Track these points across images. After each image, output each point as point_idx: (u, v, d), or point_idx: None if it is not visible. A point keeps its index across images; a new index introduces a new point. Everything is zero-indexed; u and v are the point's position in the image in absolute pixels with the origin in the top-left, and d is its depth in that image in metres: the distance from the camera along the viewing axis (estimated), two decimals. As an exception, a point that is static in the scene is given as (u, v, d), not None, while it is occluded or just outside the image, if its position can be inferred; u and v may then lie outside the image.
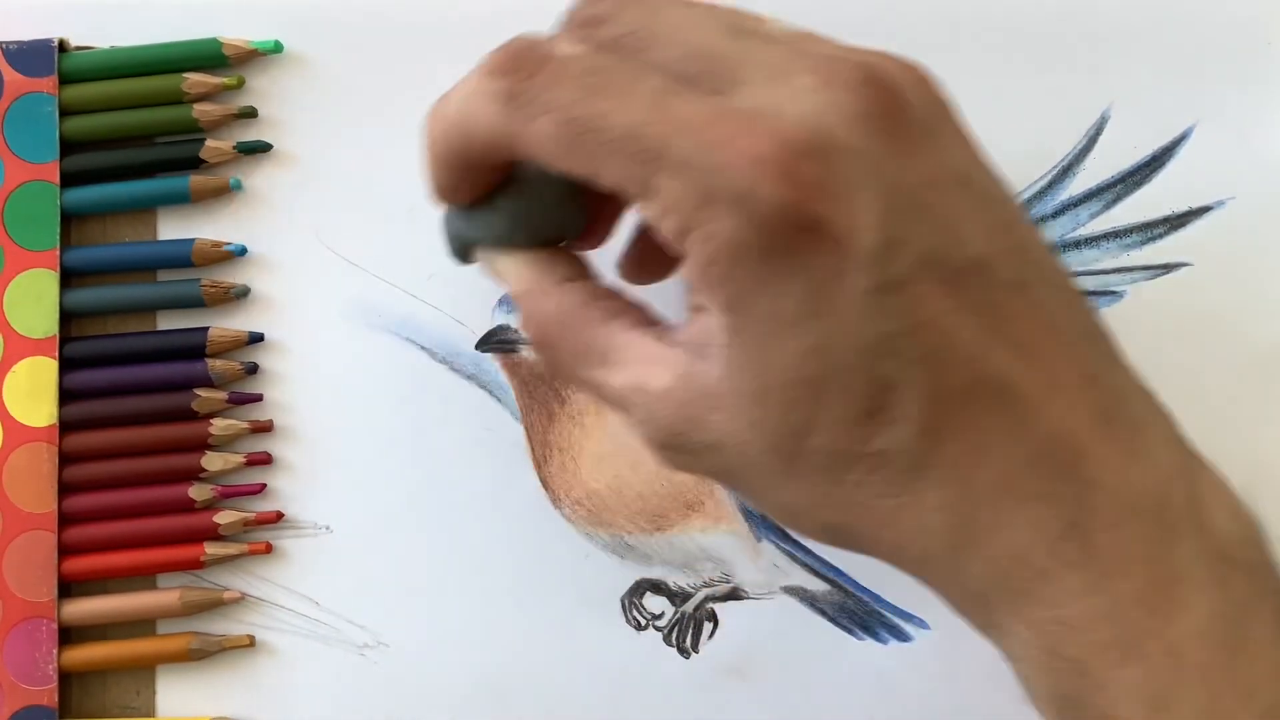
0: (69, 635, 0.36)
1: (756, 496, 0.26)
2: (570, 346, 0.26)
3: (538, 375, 0.36)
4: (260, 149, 0.36)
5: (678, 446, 0.25)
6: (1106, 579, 0.23)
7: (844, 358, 0.23)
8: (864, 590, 0.35)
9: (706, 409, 0.24)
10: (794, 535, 0.36)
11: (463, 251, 0.28)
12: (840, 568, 0.36)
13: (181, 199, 0.36)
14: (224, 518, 0.35)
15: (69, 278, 0.36)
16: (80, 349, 0.36)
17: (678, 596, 0.36)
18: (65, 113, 0.36)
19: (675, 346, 0.25)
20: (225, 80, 0.36)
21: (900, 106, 0.23)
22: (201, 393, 0.36)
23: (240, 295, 0.36)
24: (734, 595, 0.36)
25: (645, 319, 0.26)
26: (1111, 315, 0.36)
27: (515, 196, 0.26)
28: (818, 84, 0.23)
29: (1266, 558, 0.24)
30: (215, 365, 0.36)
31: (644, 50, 0.24)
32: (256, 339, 0.36)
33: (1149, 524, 0.23)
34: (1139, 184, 0.36)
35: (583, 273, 0.27)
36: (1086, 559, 0.23)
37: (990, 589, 0.24)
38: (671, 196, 0.23)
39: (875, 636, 0.35)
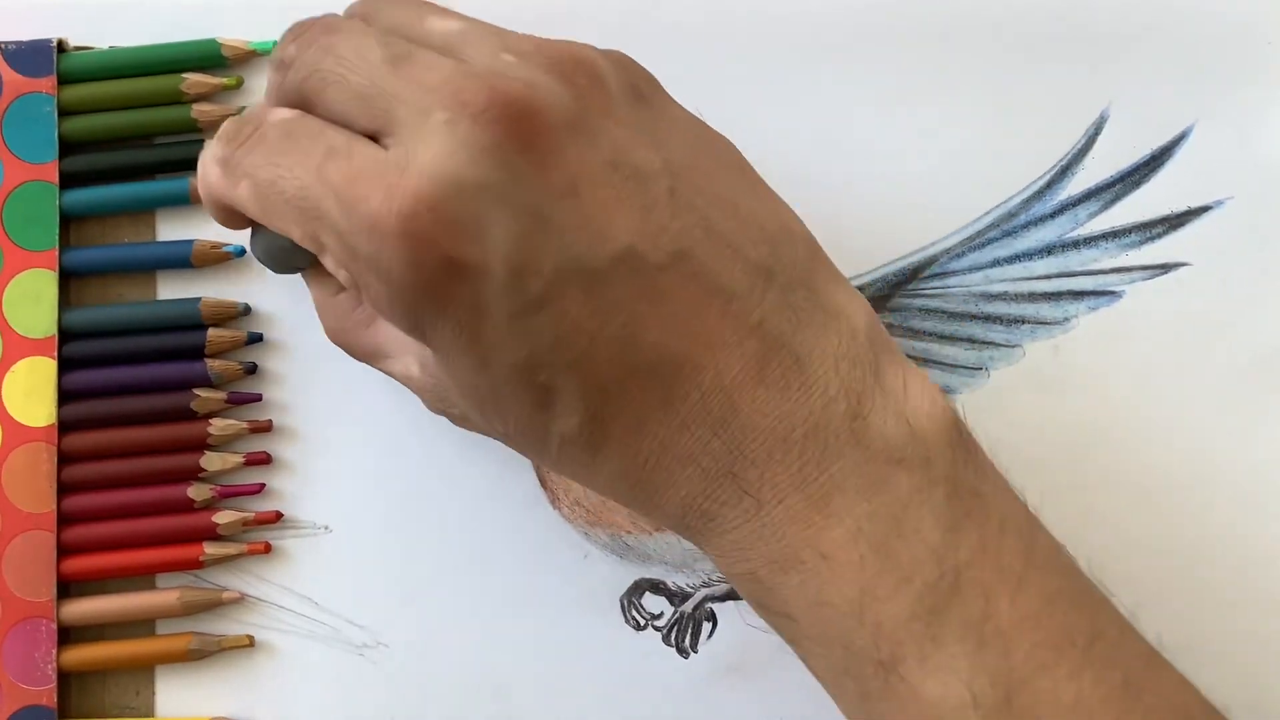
0: (68, 635, 0.36)
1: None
2: (355, 346, 0.31)
3: (537, 375, 0.36)
4: (259, 149, 0.36)
5: (449, 417, 0.31)
6: (760, 507, 0.27)
7: (504, 372, 0.26)
8: (863, 590, 0.36)
9: (445, 390, 0.29)
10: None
11: (264, 264, 0.31)
12: (839, 568, 0.36)
13: (181, 201, 0.36)
14: (223, 518, 0.35)
15: (68, 279, 0.36)
16: (79, 349, 0.36)
17: (677, 596, 0.36)
18: (64, 113, 0.36)
19: (416, 343, 0.28)
20: (224, 80, 0.36)
21: (529, 121, 0.25)
22: (201, 393, 0.36)
23: (244, 312, 0.36)
24: (733, 595, 0.36)
25: None
26: (1110, 315, 0.36)
27: (262, 230, 0.29)
28: (448, 119, 0.25)
29: (943, 448, 0.27)
30: (214, 365, 0.36)
31: (321, 94, 0.27)
32: (255, 339, 0.36)
33: (800, 451, 0.26)
34: (1138, 184, 0.36)
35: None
36: (739, 496, 0.27)
37: (678, 528, 0.29)
38: (333, 255, 0.26)
39: (874, 636, 0.35)
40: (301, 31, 0.28)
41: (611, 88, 0.27)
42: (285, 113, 0.27)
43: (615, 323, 0.26)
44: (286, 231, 0.27)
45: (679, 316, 0.26)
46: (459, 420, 0.31)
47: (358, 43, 0.27)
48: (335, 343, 0.31)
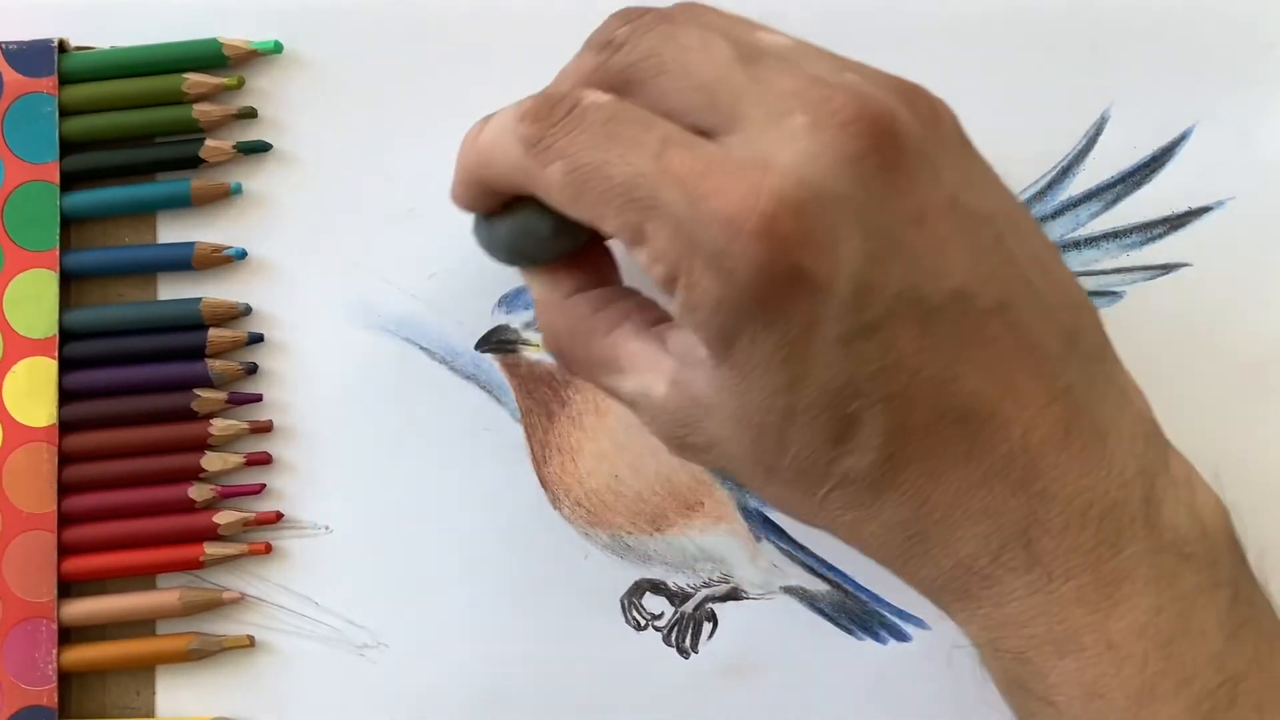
0: (68, 635, 0.36)
1: (751, 490, 0.29)
2: (582, 356, 0.29)
3: (537, 376, 0.36)
4: (260, 149, 0.36)
5: (680, 445, 0.28)
6: (1049, 581, 0.25)
7: (813, 396, 0.25)
8: (863, 590, 0.36)
9: (699, 415, 0.27)
10: (793, 536, 0.36)
11: (493, 254, 0.29)
12: (840, 568, 0.36)
13: (182, 203, 0.36)
14: (224, 518, 0.35)
15: (68, 280, 0.36)
16: (80, 349, 0.36)
17: (677, 597, 0.36)
18: (65, 113, 0.36)
19: (668, 356, 0.27)
20: (225, 80, 0.36)
21: (892, 140, 0.24)
22: (201, 393, 0.36)
23: (245, 313, 0.36)
24: (733, 595, 0.36)
25: (648, 320, 0.28)
26: (1111, 315, 0.36)
27: (524, 214, 0.28)
28: (810, 124, 0.24)
29: (1226, 550, 0.26)
30: (215, 365, 0.36)
31: (654, 78, 0.26)
32: (256, 339, 0.36)
33: (1097, 529, 0.25)
34: (1139, 184, 0.36)
35: (593, 281, 0.29)
36: (1030, 564, 0.25)
37: (940, 591, 0.27)
38: (659, 246, 0.25)
39: (874, 636, 0.35)
40: (637, 16, 0.26)
41: (947, 125, 0.26)
42: (606, 97, 0.26)
43: (938, 362, 0.25)
44: (599, 219, 0.25)
45: (996, 366, 0.25)
46: (693, 450, 0.28)
47: (704, 36, 0.26)
48: (555, 349, 0.29)
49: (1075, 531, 0.25)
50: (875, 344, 0.24)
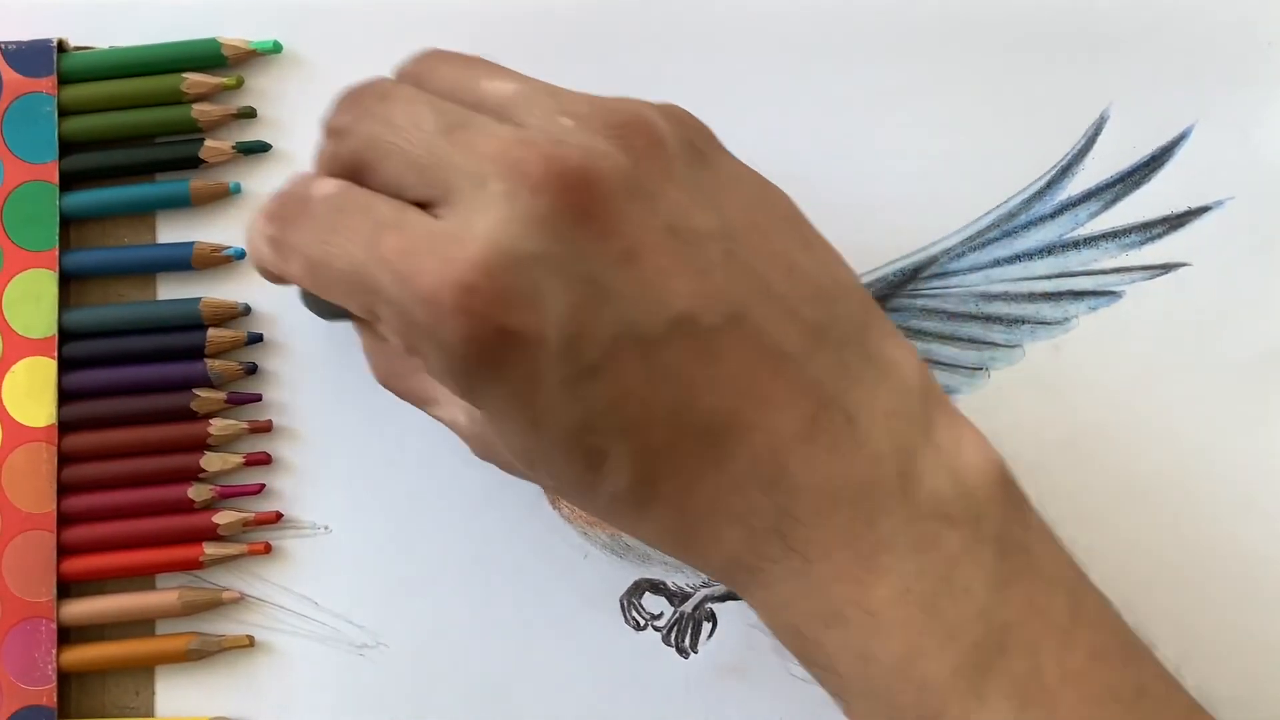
0: (68, 635, 0.36)
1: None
2: (404, 390, 0.32)
3: (537, 375, 0.36)
4: (259, 149, 0.36)
5: (494, 463, 0.31)
6: (806, 563, 0.27)
7: (555, 436, 0.26)
8: (863, 590, 0.35)
9: (492, 443, 0.29)
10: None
11: (316, 314, 0.33)
12: (839, 568, 0.36)
13: (181, 202, 0.36)
14: (223, 518, 0.35)
15: (68, 280, 0.36)
16: (79, 349, 0.36)
17: (676, 596, 0.36)
18: (64, 113, 0.36)
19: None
20: (224, 80, 0.36)
21: (586, 191, 0.25)
22: (201, 393, 0.36)
23: (244, 313, 0.36)
24: (732, 595, 0.36)
25: None
26: (1110, 315, 0.36)
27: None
28: (505, 190, 0.25)
29: (992, 504, 0.27)
30: (214, 365, 0.36)
31: (377, 164, 0.27)
32: (256, 339, 0.36)
33: (852, 510, 0.26)
34: (1138, 184, 0.36)
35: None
36: (786, 552, 0.27)
37: (722, 580, 0.29)
38: (391, 326, 0.26)
39: (874, 636, 0.35)
40: (355, 101, 0.28)
41: (670, 148, 0.27)
42: (331, 185, 0.27)
43: (669, 387, 0.26)
44: (342, 304, 0.27)
45: (733, 378, 0.26)
46: (504, 468, 0.31)
47: (413, 111, 0.27)
48: (384, 386, 0.32)
49: (827, 516, 0.26)
50: (600, 384, 0.25)
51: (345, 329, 0.36)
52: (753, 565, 0.27)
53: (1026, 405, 0.35)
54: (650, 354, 0.26)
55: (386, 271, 0.25)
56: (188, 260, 0.36)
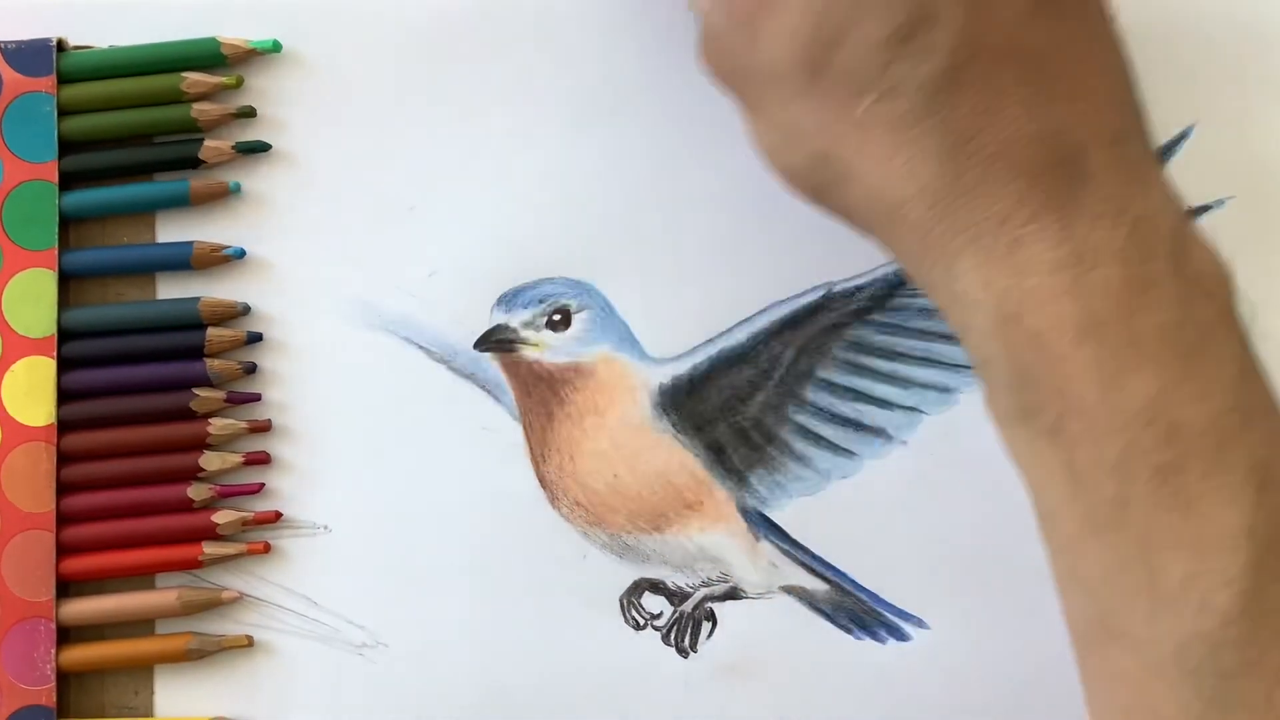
0: (67, 635, 0.35)
1: (768, 112, 0.27)
2: None
3: (536, 375, 0.36)
4: (259, 149, 0.36)
5: (729, 49, 0.27)
6: (1079, 263, 0.24)
7: None
8: (863, 590, 0.35)
9: (762, 10, 0.26)
10: (793, 535, 0.36)
11: None
12: (839, 567, 0.36)
13: (181, 202, 0.36)
14: (222, 517, 0.35)
15: (67, 280, 0.36)
16: (79, 349, 0.36)
17: (676, 596, 0.36)
18: (64, 112, 0.36)
19: None
20: (224, 80, 0.36)
21: None
22: (200, 392, 0.36)
23: (244, 312, 0.36)
24: (732, 595, 0.36)
25: None
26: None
27: None
28: None
29: (1234, 302, 0.26)
30: (214, 365, 0.36)
31: None
32: (255, 339, 0.36)
33: (1132, 231, 0.25)
34: (1138, 183, 0.36)
35: None
36: (1064, 240, 0.24)
37: (960, 247, 0.25)
38: None
39: (874, 636, 0.35)
40: None
41: None
42: None
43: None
44: None
45: (1068, 38, 0.25)
46: (736, 50, 0.27)
47: None
48: None
49: (1109, 226, 0.25)
50: None
51: (342, 326, 0.36)
52: (1019, 237, 0.25)
53: (1026, 405, 0.35)
54: None
55: None
56: (187, 260, 0.36)
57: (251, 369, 0.36)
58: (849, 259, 0.36)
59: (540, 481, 0.36)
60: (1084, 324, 0.24)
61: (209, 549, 0.35)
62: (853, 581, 0.36)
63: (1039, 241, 0.25)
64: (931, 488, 0.35)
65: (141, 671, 0.36)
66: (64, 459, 0.36)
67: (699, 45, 0.28)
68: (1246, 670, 0.24)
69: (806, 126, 0.26)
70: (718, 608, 0.36)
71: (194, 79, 0.36)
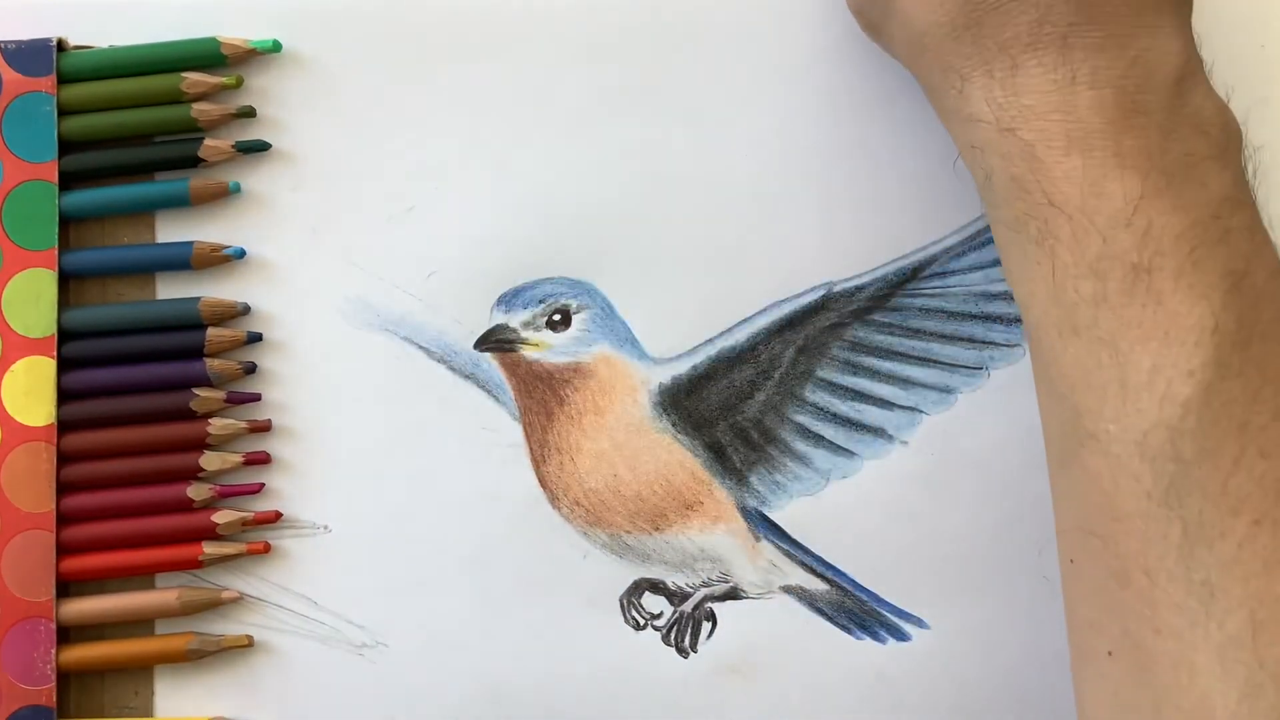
0: (67, 635, 0.35)
1: None
2: None
3: (536, 375, 0.36)
4: (259, 148, 0.36)
5: None
6: (1072, 83, 0.27)
7: None
8: (863, 590, 0.35)
9: None
10: (792, 535, 0.36)
11: None
12: (839, 567, 0.36)
13: (181, 202, 0.36)
14: (222, 517, 0.35)
15: (67, 280, 0.36)
16: (79, 349, 0.36)
17: (676, 596, 0.36)
18: (64, 112, 0.36)
19: None
20: (224, 80, 0.36)
21: None
22: (200, 392, 0.36)
23: (244, 312, 0.36)
24: (732, 595, 0.36)
25: None
26: (1111, 315, 0.36)
27: None
28: None
29: (1231, 146, 0.28)
30: (214, 365, 0.36)
31: None
32: (255, 339, 0.36)
33: (1129, 65, 0.27)
34: (1138, 183, 0.36)
35: None
36: (1059, 63, 0.27)
37: (971, 69, 0.29)
38: None
39: (874, 636, 0.35)
40: None
41: None
42: None
43: None
44: None
45: None
46: None
47: None
48: None
49: (1109, 57, 0.27)
50: None
51: (342, 326, 0.36)
52: (1018, 61, 0.28)
53: (1026, 405, 0.35)
54: None
55: None
56: (187, 260, 0.36)
57: (251, 369, 0.36)
58: (849, 259, 0.36)
59: (540, 481, 0.36)
60: (1072, 136, 0.27)
61: (209, 549, 0.35)
62: (852, 581, 0.36)
63: (1038, 65, 0.28)
64: (931, 488, 0.35)
65: (141, 671, 0.36)
66: (64, 459, 0.36)
67: None
68: (1203, 458, 0.25)
69: None
70: (718, 608, 0.36)
71: (194, 79, 0.36)
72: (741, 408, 0.36)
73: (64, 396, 0.36)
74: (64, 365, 0.36)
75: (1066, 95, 0.27)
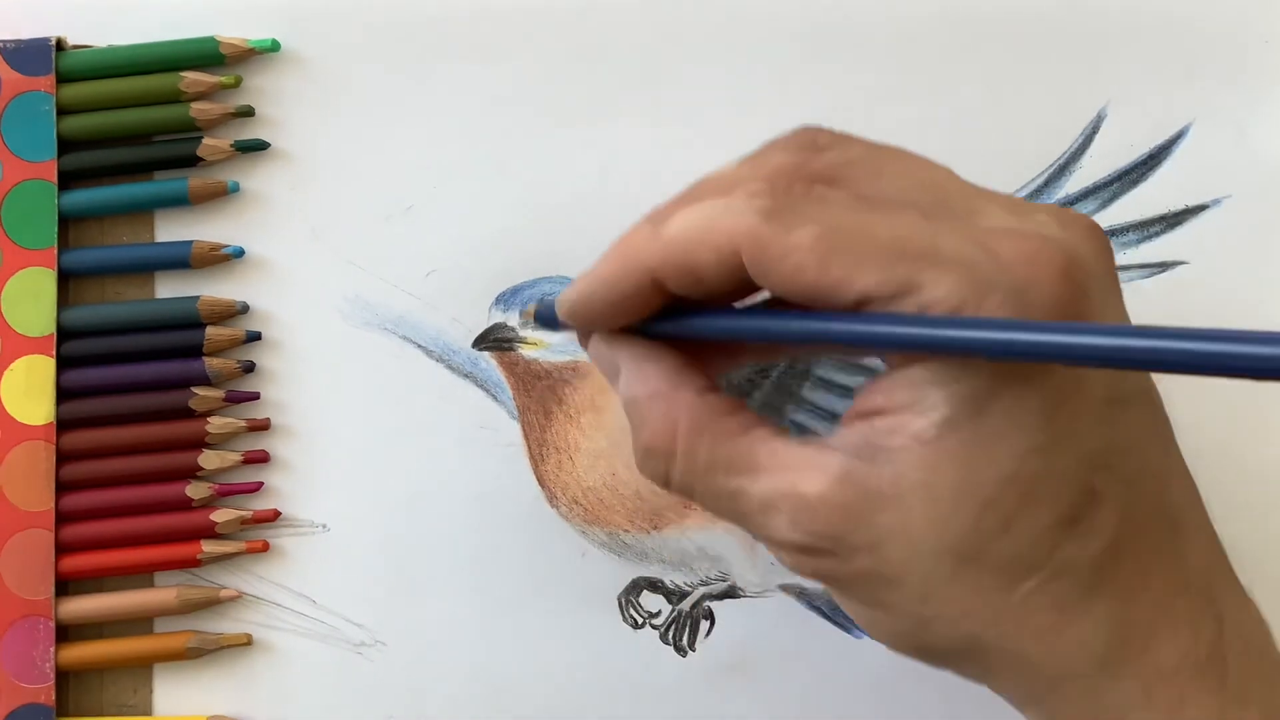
0: (66, 633, 0.36)
1: (890, 606, 0.25)
2: (705, 454, 0.26)
3: (535, 374, 0.36)
4: (257, 147, 0.37)
5: (826, 549, 0.25)
6: (1237, 704, 0.25)
7: (1065, 462, 0.23)
8: (861, 588, 0.35)
9: (873, 509, 0.24)
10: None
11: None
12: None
13: (180, 201, 0.36)
14: (221, 516, 0.35)
15: (66, 279, 0.36)
16: (78, 347, 0.36)
17: (674, 595, 0.36)
18: (63, 111, 0.36)
19: (831, 452, 0.25)
20: (222, 79, 0.36)
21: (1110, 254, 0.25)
22: (199, 391, 0.36)
23: (242, 311, 0.36)
24: (731, 594, 0.36)
25: (780, 430, 0.26)
26: (1108, 314, 0.36)
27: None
28: (1060, 220, 0.24)
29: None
30: (212, 363, 0.36)
31: (874, 179, 0.25)
32: (254, 337, 0.36)
33: (1259, 659, 0.25)
34: (1136, 182, 0.36)
35: (715, 385, 0.27)
36: (1221, 686, 0.24)
37: (1130, 710, 0.25)
38: (939, 294, 0.23)
39: (872, 635, 0.35)
40: (827, 132, 0.27)
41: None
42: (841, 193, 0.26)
43: (1158, 457, 0.25)
44: (847, 279, 0.24)
45: (1185, 481, 0.26)
46: (842, 552, 0.25)
47: (905, 153, 0.27)
48: (670, 448, 0.26)
49: (1245, 660, 0.25)
50: (1126, 417, 0.24)
51: (341, 325, 0.36)
52: (1186, 693, 0.24)
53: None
54: (1156, 416, 0.25)
55: (956, 239, 0.23)
56: (186, 258, 0.36)
57: (250, 368, 0.36)
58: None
59: (538, 480, 0.36)
60: None
61: (208, 547, 0.35)
62: (851, 580, 0.35)
63: (1202, 693, 0.25)
64: (929, 486, 0.35)
65: (141, 670, 0.36)
66: (63, 457, 0.36)
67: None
68: None
69: (950, 613, 0.25)
70: (716, 606, 0.36)
71: (193, 78, 0.36)
72: (740, 406, 0.36)
73: (63, 395, 0.36)
74: (63, 364, 0.36)
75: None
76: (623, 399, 0.27)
